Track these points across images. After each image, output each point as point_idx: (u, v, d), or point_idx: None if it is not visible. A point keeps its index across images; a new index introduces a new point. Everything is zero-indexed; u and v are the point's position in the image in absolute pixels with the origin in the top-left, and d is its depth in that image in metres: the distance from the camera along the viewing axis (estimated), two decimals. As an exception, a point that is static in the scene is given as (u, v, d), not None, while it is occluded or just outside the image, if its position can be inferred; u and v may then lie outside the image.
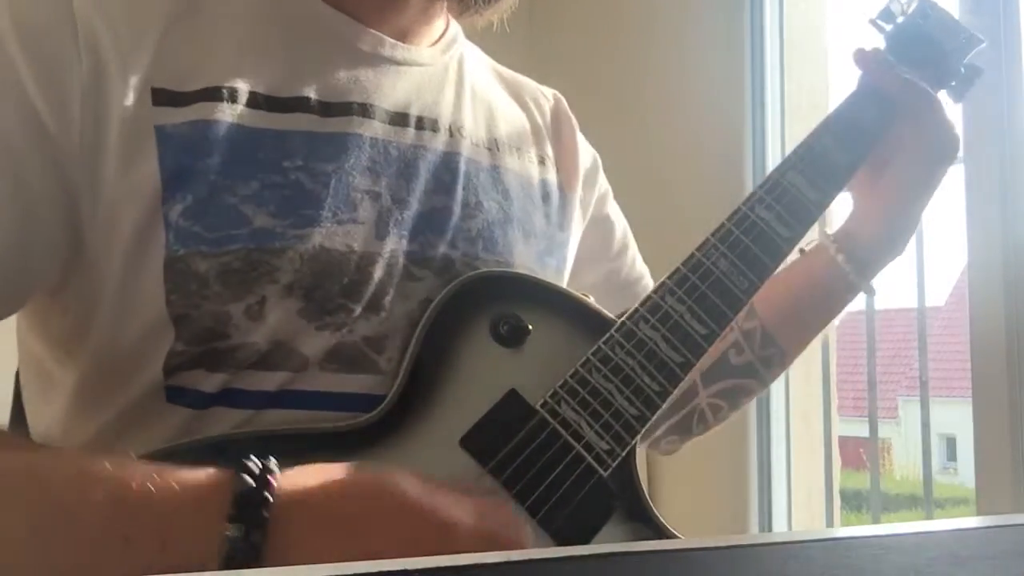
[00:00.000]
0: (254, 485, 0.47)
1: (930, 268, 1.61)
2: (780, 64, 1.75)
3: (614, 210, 0.89)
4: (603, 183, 0.88)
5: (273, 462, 0.49)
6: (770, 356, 0.84)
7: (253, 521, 0.46)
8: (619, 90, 1.83)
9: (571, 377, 0.62)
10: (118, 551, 0.47)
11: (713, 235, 0.69)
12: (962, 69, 0.81)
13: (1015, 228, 1.30)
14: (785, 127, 1.72)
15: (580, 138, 0.86)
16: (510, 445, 0.59)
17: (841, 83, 1.91)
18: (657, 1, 1.85)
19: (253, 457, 0.49)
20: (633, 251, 0.91)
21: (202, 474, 0.49)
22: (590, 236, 0.85)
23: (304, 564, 0.45)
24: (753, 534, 1.50)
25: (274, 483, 0.48)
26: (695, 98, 1.76)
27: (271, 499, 0.47)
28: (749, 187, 1.66)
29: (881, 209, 0.79)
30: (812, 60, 1.80)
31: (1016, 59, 1.33)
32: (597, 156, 0.88)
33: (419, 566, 0.28)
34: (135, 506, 0.48)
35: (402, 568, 0.28)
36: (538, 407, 0.60)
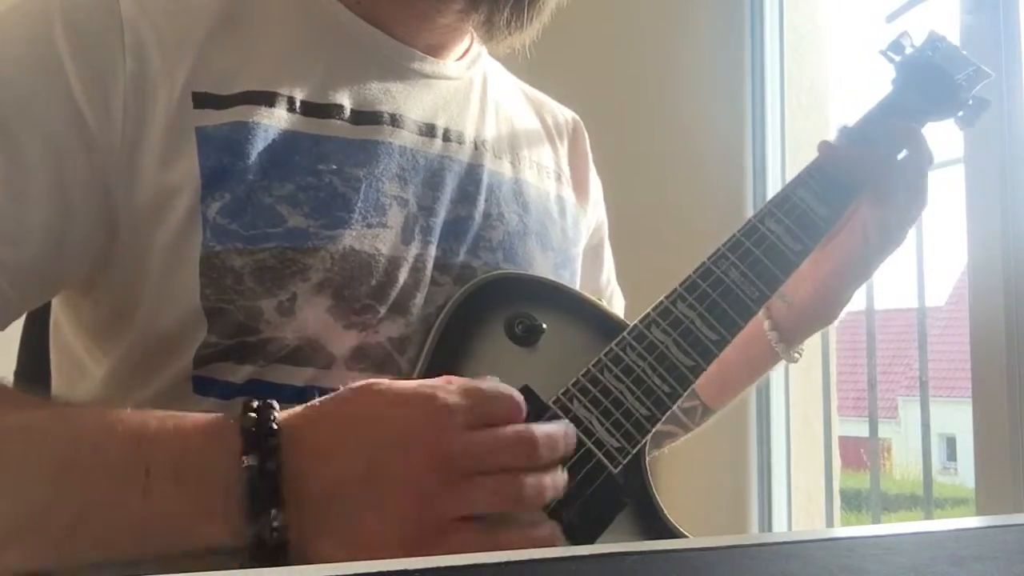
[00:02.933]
0: (257, 418, 0.51)
1: (930, 268, 1.61)
2: (780, 64, 1.75)
3: (607, 244, 0.92)
4: (603, 214, 0.91)
5: (274, 403, 0.52)
6: (692, 408, 0.87)
7: (265, 450, 0.49)
8: (618, 90, 1.83)
9: (583, 376, 0.63)
10: (139, 483, 0.50)
11: (724, 245, 0.70)
12: (970, 100, 0.83)
13: (1015, 228, 1.30)
14: (785, 127, 1.71)
15: (592, 166, 0.88)
16: None
17: (841, 83, 1.91)
18: (657, 2, 1.85)
19: (254, 401, 0.52)
20: (613, 288, 0.93)
21: (214, 416, 0.53)
22: (583, 262, 0.86)
23: (319, 477, 0.49)
24: (753, 534, 1.50)
25: (276, 415, 0.51)
26: (695, 98, 1.75)
27: (276, 427, 0.50)
28: (749, 187, 1.66)
29: (820, 277, 0.80)
30: (812, 60, 1.80)
31: (1016, 60, 1.33)
32: (600, 187, 0.90)
33: (419, 566, 0.29)
34: (153, 441, 0.52)
35: (402, 568, 0.28)
36: (550, 404, 0.61)
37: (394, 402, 0.52)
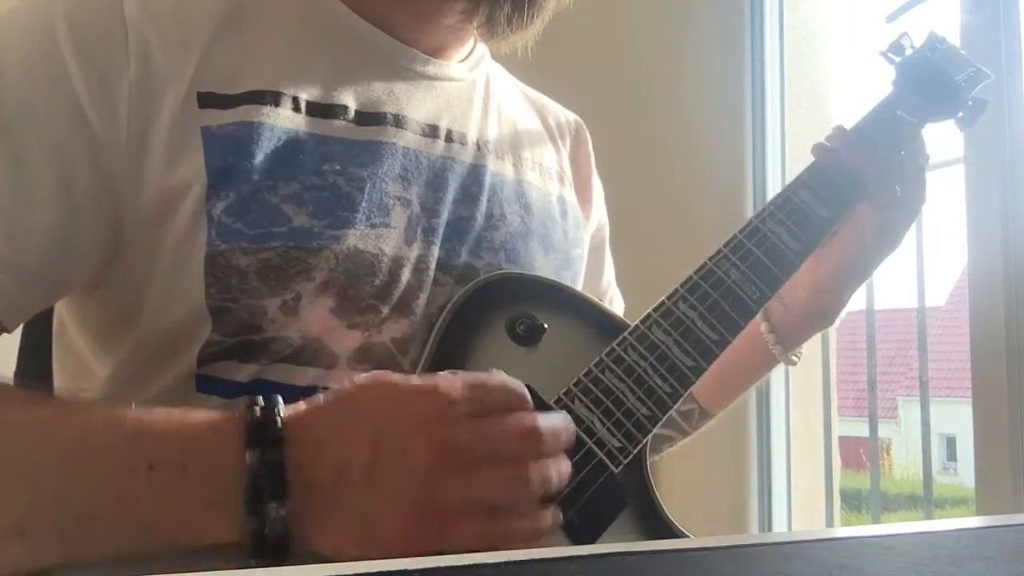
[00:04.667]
0: (261, 411, 0.51)
1: (930, 268, 1.61)
2: (780, 64, 1.75)
3: (607, 247, 0.92)
4: (604, 217, 0.91)
5: (279, 398, 0.52)
6: (689, 412, 0.86)
7: (269, 441, 0.50)
8: (618, 90, 1.83)
9: (584, 376, 0.63)
10: (144, 477, 0.51)
11: (725, 246, 0.71)
12: (970, 101, 0.83)
13: (1015, 228, 1.30)
14: (785, 127, 1.71)
15: (594, 168, 0.88)
16: None
17: (841, 83, 1.91)
18: (657, 2, 1.85)
19: (259, 397, 0.52)
20: (613, 292, 0.94)
21: (218, 412, 0.53)
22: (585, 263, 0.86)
23: (323, 466, 0.50)
24: (753, 534, 1.50)
25: (280, 408, 0.52)
26: (695, 98, 1.75)
27: (280, 420, 0.51)
28: (749, 187, 1.66)
29: (817, 279, 0.80)
30: (812, 60, 1.80)
31: (1016, 60, 1.33)
32: (602, 189, 0.90)
33: (419, 566, 0.29)
34: (158, 435, 0.53)
35: (402, 568, 0.28)
36: (551, 404, 0.61)
37: (398, 394, 0.52)
